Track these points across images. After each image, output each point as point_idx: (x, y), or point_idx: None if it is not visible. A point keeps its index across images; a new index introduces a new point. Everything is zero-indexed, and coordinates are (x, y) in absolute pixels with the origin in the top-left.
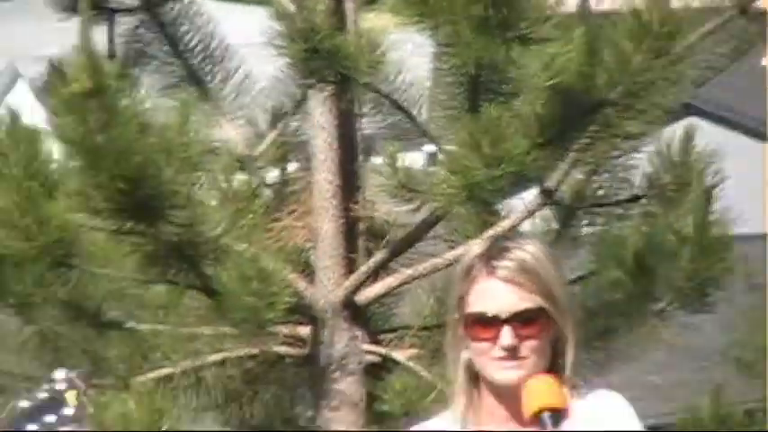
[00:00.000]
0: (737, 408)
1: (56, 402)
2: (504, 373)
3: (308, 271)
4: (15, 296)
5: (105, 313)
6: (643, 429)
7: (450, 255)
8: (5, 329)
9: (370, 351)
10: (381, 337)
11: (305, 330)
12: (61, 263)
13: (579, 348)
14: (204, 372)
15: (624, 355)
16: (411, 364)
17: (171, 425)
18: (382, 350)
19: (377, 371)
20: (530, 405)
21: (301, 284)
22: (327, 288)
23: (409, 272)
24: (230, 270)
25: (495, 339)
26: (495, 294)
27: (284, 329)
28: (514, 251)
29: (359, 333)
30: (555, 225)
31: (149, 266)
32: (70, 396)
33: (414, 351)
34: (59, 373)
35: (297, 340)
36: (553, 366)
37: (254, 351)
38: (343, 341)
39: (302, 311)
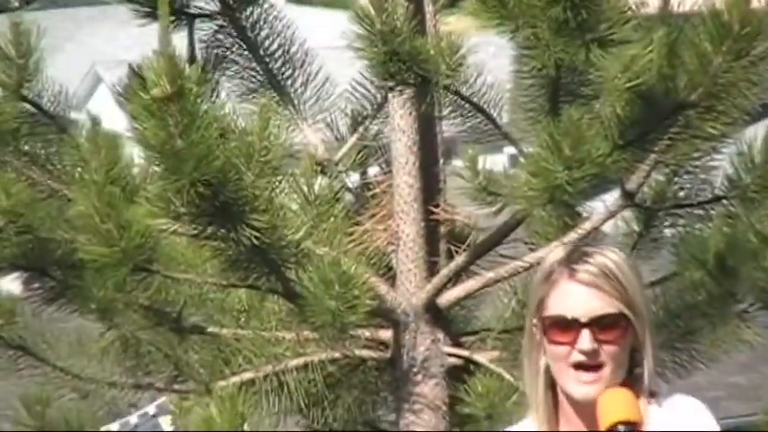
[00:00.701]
0: None
1: (149, 427)
2: (582, 388)
3: (389, 274)
4: (97, 302)
5: (186, 318)
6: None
7: (530, 257)
8: (88, 335)
9: (452, 354)
10: (463, 339)
11: (386, 334)
12: (142, 268)
13: (657, 357)
14: (286, 376)
15: (707, 357)
16: (493, 366)
17: (253, 429)
18: (464, 353)
19: (459, 374)
20: (605, 418)
21: (383, 288)
22: (409, 291)
23: (490, 275)
24: (312, 274)
25: (573, 344)
26: (576, 298)
27: (366, 333)
28: (596, 256)
29: (440, 336)
30: (636, 227)
31: (230, 271)
32: (164, 421)
33: (495, 353)
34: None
35: (378, 344)
36: (630, 376)
37: (336, 355)
38: (425, 344)
39: (384, 315)
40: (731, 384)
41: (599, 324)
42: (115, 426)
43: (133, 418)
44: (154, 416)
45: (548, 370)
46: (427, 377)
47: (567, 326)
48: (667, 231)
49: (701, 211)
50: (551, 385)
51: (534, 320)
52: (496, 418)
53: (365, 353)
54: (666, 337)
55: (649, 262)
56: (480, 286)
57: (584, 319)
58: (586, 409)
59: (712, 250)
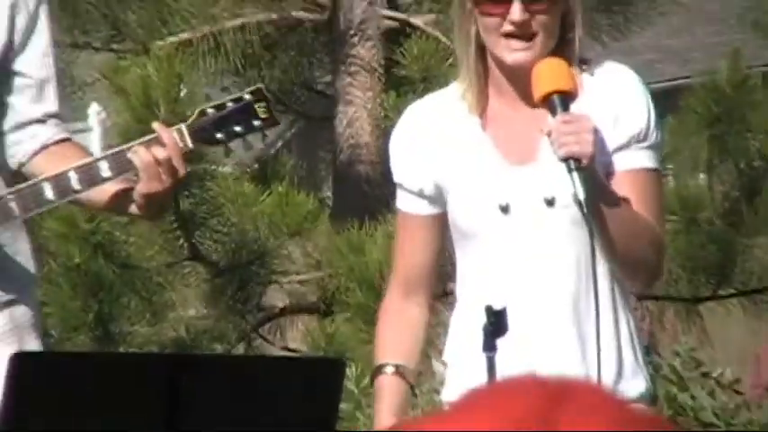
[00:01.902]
0: (755, 70)
1: (243, 113)
2: (513, 54)
3: None
4: None
5: None
6: (650, 102)
7: None
8: None
9: (389, 16)
10: (400, 2)
11: None
12: None
13: (591, 18)
14: (223, 36)
15: (642, 19)
16: (429, 29)
17: (189, 89)
18: (401, 15)
19: (395, 36)
20: (539, 88)
21: None
22: None
23: None
24: None
25: (504, 15)
26: None
27: None
28: None
29: None
30: None
31: None
32: (260, 107)
33: (432, 17)
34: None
35: (316, 5)
36: (562, 42)
37: (273, 16)
38: (362, 6)
39: None
40: (665, 47)
41: None
42: (211, 108)
43: (229, 103)
44: (248, 102)
45: (478, 36)
46: (363, 39)
47: None
48: None
49: None
50: (482, 52)
51: None
52: (431, 80)
53: (302, 14)
54: (603, 1)
55: None
56: None
57: None
58: (517, 77)
59: None
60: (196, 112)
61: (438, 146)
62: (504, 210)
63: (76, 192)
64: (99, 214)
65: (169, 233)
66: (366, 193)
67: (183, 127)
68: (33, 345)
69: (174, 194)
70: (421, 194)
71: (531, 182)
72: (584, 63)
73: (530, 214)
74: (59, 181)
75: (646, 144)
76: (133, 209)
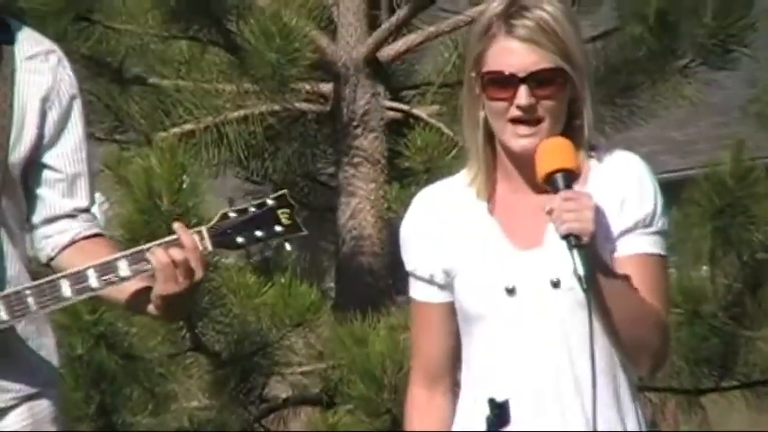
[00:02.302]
0: (758, 162)
1: (266, 218)
2: (519, 141)
3: (330, 27)
4: None
5: (128, 69)
6: (657, 189)
7: (472, 11)
8: None
9: (392, 108)
10: (403, 93)
11: (327, 87)
12: (83, 17)
13: (595, 110)
14: (226, 128)
15: (646, 112)
16: (433, 120)
17: (192, 180)
18: (404, 107)
19: (398, 127)
20: (542, 167)
21: (323, 41)
22: (350, 44)
23: (431, 29)
24: (253, 26)
25: (511, 99)
26: (513, 53)
27: (306, 86)
28: (534, 10)
29: (381, 89)
30: None
31: (172, 22)
32: (283, 214)
33: (435, 107)
34: (272, 194)
35: (319, 97)
36: (569, 129)
37: (276, 107)
38: (365, 98)
39: (324, 68)
40: (667, 139)
41: (536, 79)
42: (233, 212)
43: (252, 207)
44: (272, 207)
45: (486, 123)
46: (367, 130)
47: (504, 82)
48: None
49: None
50: (490, 139)
51: (473, 74)
52: (435, 172)
53: (305, 105)
54: (606, 93)
55: (590, 17)
56: (421, 40)
57: (521, 75)
58: (524, 163)
59: (653, 5)
60: (218, 215)
61: (446, 233)
62: (511, 292)
63: (94, 290)
64: (102, 305)
65: (171, 324)
66: (369, 285)
67: (203, 230)
68: None
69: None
70: (432, 282)
71: (537, 265)
72: (593, 149)
73: (535, 296)
74: (78, 278)
75: (652, 230)
76: (151, 309)
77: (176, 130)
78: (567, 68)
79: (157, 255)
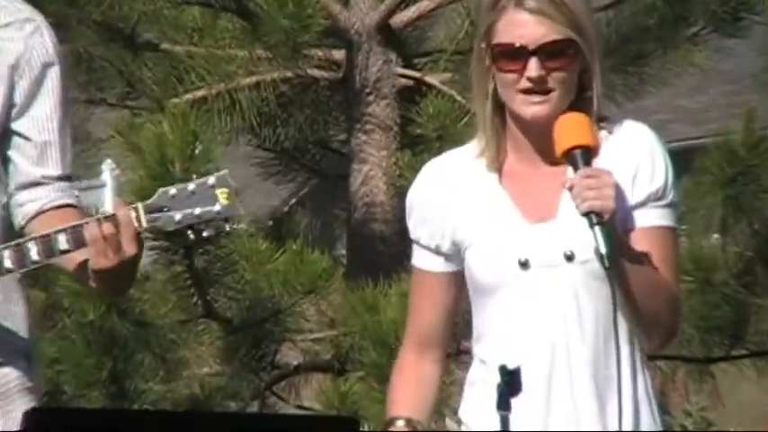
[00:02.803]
0: None
1: (205, 197)
2: (530, 108)
3: None
4: (49, 16)
5: (140, 34)
6: (668, 161)
7: None
8: None
9: (404, 75)
10: (415, 61)
11: (339, 54)
12: None
13: (606, 79)
14: (238, 94)
15: (657, 80)
16: (445, 88)
17: (205, 146)
18: (416, 74)
19: (411, 95)
20: (561, 142)
21: (336, 8)
22: (362, 11)
23: None
24: None
25: (521, 71)
26: (523, 25)
27: (318, 53)
28: None
29: (393, 57)
30: None
31: None
32: (222, 193)
33: (447, 75)
34: (215, 172)
35: (331, 64)
36: (579, 100)
37: (289, 74)
38: (377, 65)
39: (337, 35)
40: (679, 107)
41: (546, 51)
42: (173, 189)
43: (191, 185)
44: (212, 186)
45: (496, 94)
46: (379, 97)
47: (515, 54)
48: None
49: None
50: (500, 109)
51: (483, 45)
52: (447, 139)
53: (317, 72)
54: (618, 61)
55: None
56: (434, 6)
57: (531, 47)
58: (535, 132)
59: None
60: (157, 192)
61: (455, 203)
62: (524, 265)
63: (35, 263)
64: None
65: (183, 290)
66: (381, 252)
67: (139, 206)
68: (22, 409)
69: (189, 254)
70: (438, 252)
71: (550, 237)
72: (603, 121)
73: (549, 269)
74: (17, 252)
75: (663, 202)
76: (92, 282)
77: (188, 96)
78: (578, 39)
79: (90, 229)
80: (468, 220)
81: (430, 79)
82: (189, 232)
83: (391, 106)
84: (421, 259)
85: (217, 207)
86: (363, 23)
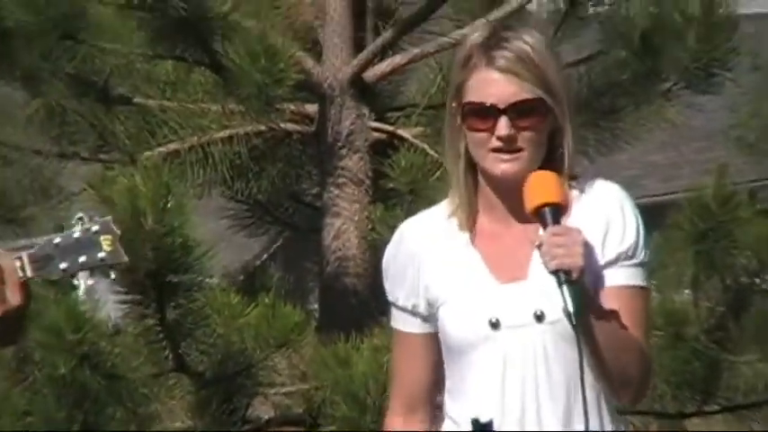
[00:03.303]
0: (740, 187)
1: (89, 244)
2: (500, 166)
3: (315, 49)
4: (22, 69)
5: (113, 88)
6: (639, 219)
7: (456, 34)
8: (12, 103)
9: (377, 129)
10: (388, 115)
11: (312, 108)
12: (69, 36)
13: (578, 136)
14: (211, 147)
15: (629, 135)
16: (417, 141)
17: (177, 200)
18: (389, 128)
19: (383, 148)
20: (531, 200)
21: (309, 62)
22: (335, 66)
23: (416, 51)
24: (238, 46)
25: (492, 130)
26: (494, 84)
27: (291, 106)
28: (513, 41)
29: (366, 111)
30: (562, 5)
31: (157, 41)
32: (105, 240)
33: (420, 129)
34: (97, 217)
35: (304, 117)
36: (551, 157)
37: (261, 127)
38: (350, 118)
39: (310, 89)
40: (649, 163)
41: (517, 110)
42: (57, 237)
43: (76, 232)
44: (96, 232)
45: (468, 153)
46: (351, 151)
47: (485, 113)
48: (593, 10)
49: None
50: (472, 168)
51: (454, 104)
52: (419, 193)
53: (290, 126)
54: (590, 116)
55: (575, 41)
56: (406, 62)
57: (501, 106)
58: (505, 191)
59: (637, 29)
60: (42, 240)
61: (429, 263)
62: (494, 325)
63: None
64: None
65: (155, 344)
66: (353, 306)
67: (23, 255)
68: None
69: (161, 307)
70: (414, 313)
71: (520, 298)
72: (574, 179)
73: (519, 329)
74: None
75: (634, 261)
76: None
77: (161, 149)
78: (547, 99)
79: None
80: (441, 280)
81: (403, 133)
82: (74, 279)
83: (364, 160)
84: (400, 321)
85: (101, 254)
86: (336, 77)
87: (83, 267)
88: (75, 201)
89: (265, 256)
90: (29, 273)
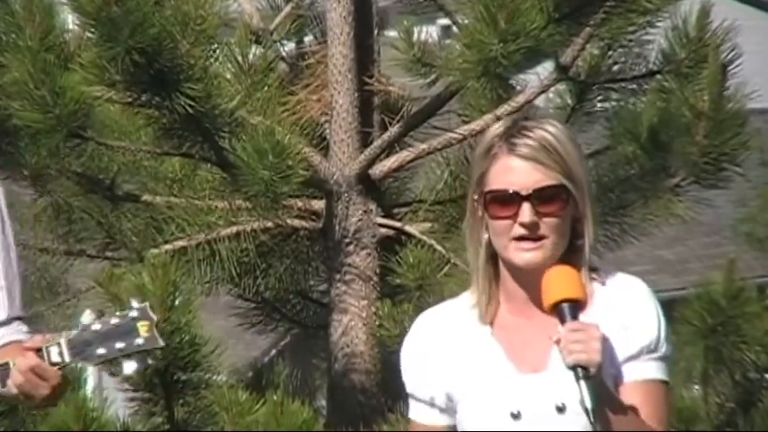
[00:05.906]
0: (749, 282)
1: (127, 330)
2: (523, 255)
3: (322, 145)
4: (30, 168)
5: (120, 185)
6: (661, 314)
7: (464, 129)
8: (20, 201)
9: (384, 225)
10: (395, 211)
11: (319, 204)
12: (76, 134)
13: (597, 228)
14: (218, 245)
15: (638, 230)
16: (425, 237)
17: (184, 297)
18: (396, 224)
19: (391, 244)
20: (549, 296)
21: (316, 158)
22: (342, 162)
23: (423, 146)
24: (245, 143)
25: (514, 217)
26: (516, 171)
27: (298, 203)
28: (535, 130)
29: (373, 207)
30: (570, 100)
31: (164, 139)
32: (143, 326)
33: (427, 225)
34: (134, 303)
35: (311, 214)
36: (570, 249)
37: (269, 224)
38: (357, 215)
39: (316, 185)
40: (658, 258)
41: (539, 197)
42: (96, 323)
43: (114, 318)
44: (133, 319)
45: (489, 244)
46: (359, 247)
47: (507, 200)
48: (601, 105)
49: (634, 86)
50: (493, 260)
51: (475, 196)
52: (427, 289)
53: (297, 222)
54: (599, 211)
55: (582, 136)
56: (413, 157)
57: (524, 192)
58: (527, 281)
59: (645, 124)
60: (80, 326)
61: (449, 356)
62: (516, 417)
63: None
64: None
65: None
66: (361, 403)
67: (62, 341)
68: None
69: (169, 405)
70: (432, 404)
71: (542, 389)
72: (594, 272)
73: (541, 421)
74: None
75: (656, 355)
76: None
77: (168, 247)
78: (570, 186)
79: (18, 362)
80: (461, 373)
81: (410, 229)
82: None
83: (371, 256)
84: (417, 412)
85: (138, 340)
86: (343, 174)
87: (120, 353)
88: (82, 298)
89: (273, 352)
90: (66, 358)
